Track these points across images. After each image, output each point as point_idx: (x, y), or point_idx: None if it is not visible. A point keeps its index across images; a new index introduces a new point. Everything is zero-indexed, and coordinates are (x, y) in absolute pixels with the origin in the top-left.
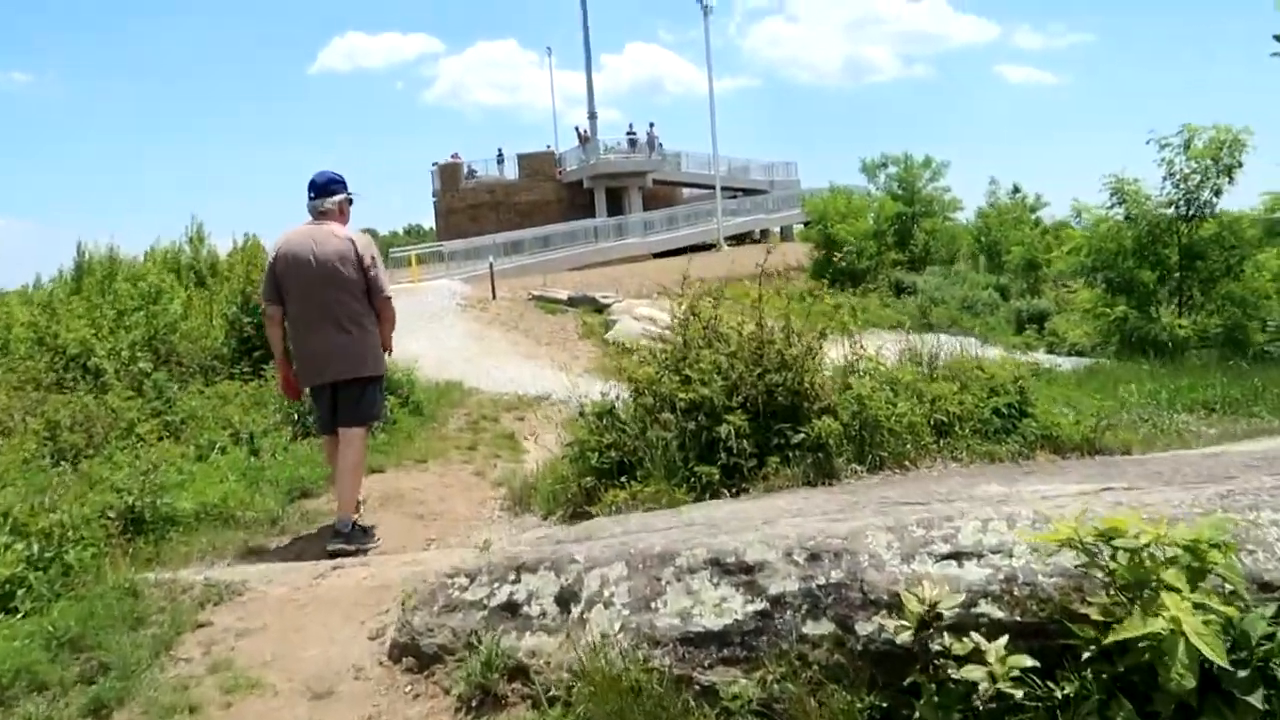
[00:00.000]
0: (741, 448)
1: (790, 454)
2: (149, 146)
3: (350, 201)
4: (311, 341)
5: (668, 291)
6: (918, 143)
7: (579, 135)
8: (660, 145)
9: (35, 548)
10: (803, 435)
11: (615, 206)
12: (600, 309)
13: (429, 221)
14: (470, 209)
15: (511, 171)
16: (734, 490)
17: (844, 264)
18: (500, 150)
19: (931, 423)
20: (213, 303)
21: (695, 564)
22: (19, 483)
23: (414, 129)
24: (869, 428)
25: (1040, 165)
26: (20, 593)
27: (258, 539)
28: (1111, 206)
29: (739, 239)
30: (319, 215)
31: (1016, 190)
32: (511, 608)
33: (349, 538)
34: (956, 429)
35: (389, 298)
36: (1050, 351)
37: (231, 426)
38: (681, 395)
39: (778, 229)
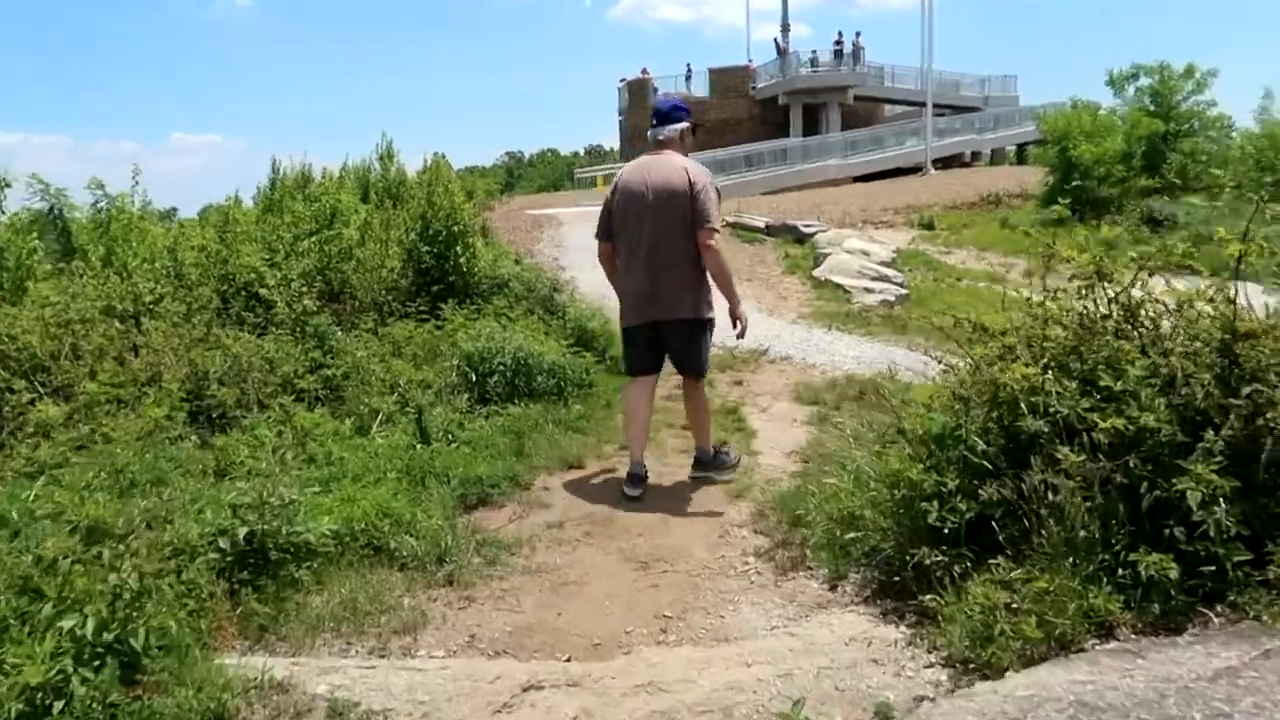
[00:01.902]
0: (1220, 526)
1: None
2: (345, 76)
3: (693, 130)
4: (634, 279)
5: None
6: (1142, 56)
7: (777, 47)
8: (864, 57)
9: (91, 625)
10: None
11: (811, 125)
12: (802, 239)
13: (609, 142)
14: None
15: (701, 88)
16: (1210, 602)
17: (1084, 191)
18: (688, 66)
19: None
20: (389, 227)
21: None
22: (135, 466)
23: (598, 48)
24: None
25: None
26: (58, 708)
27: (416, 590)
28: None
29: (946, 162)
30: (659, 144)
31: None
32: None
33: (707, 465)
34: None
35: (712, 229)
36: None
37: (399, 388)
38: (1100, 423)
39: (988, 151)
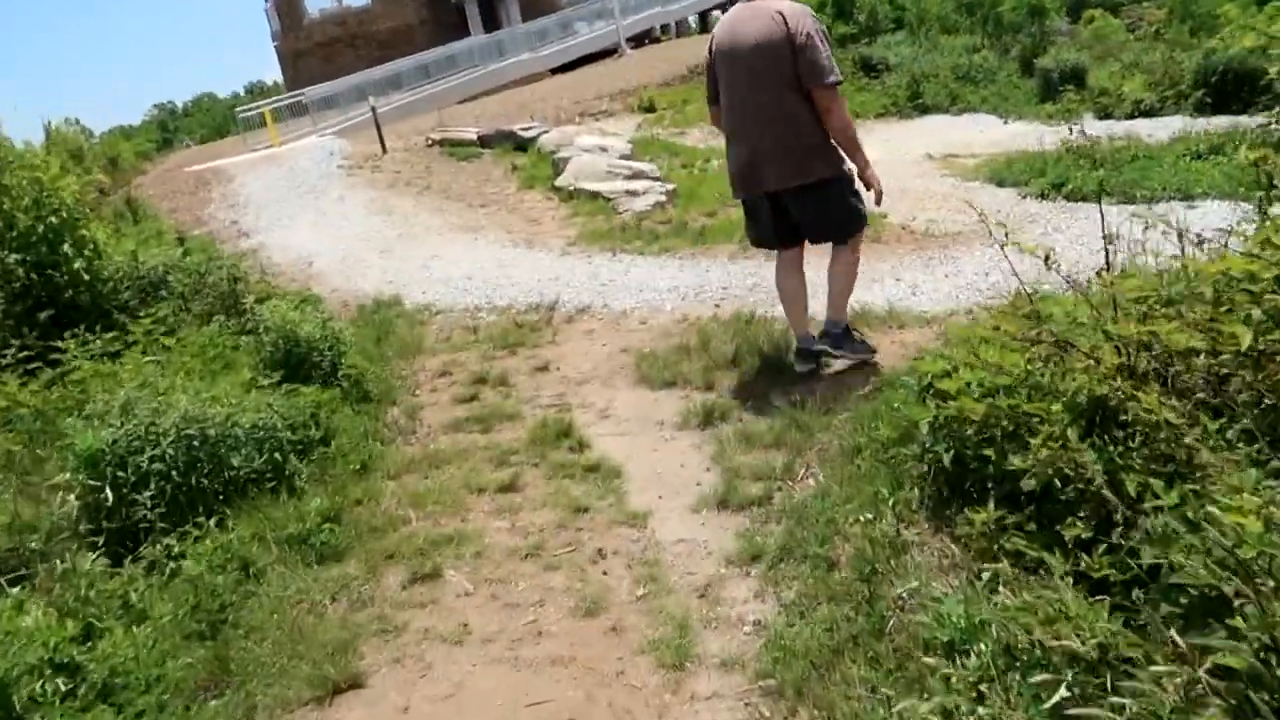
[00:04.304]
0: None
1: None
2: None
3: None
4: (739, 145)
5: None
6: None
7: None
8: None
9: None
10: None
11: (491, 20)
12: (524, 145)
13: (272, 74)
14: (320, 48)
15: None
16: None
17: None
18: None
19: None
20: None
21: None
22: None
23: None
24: None
25: None
26: None
27: None
28: None
29: (637, 40)
30: None
31: None
32: None
33: (837, 339)
34: None
35: (829, 85)
36: (1106, 116)
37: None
38: None
39: (674, 24)
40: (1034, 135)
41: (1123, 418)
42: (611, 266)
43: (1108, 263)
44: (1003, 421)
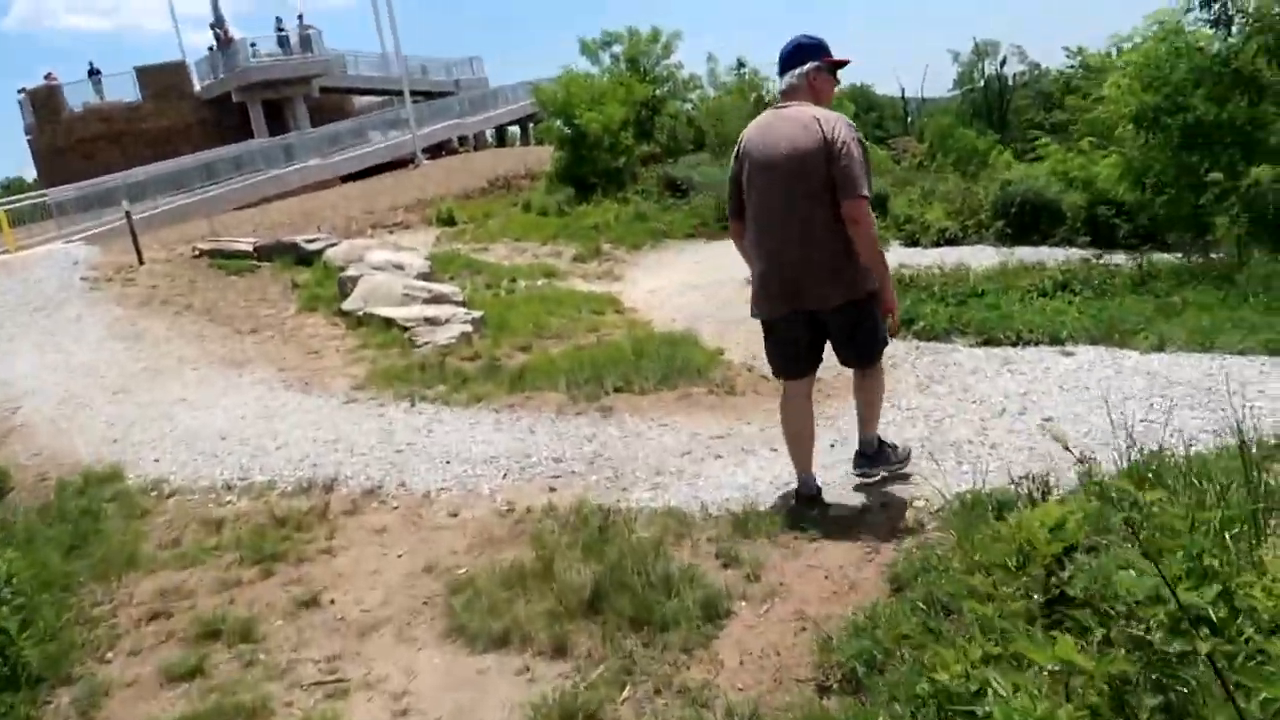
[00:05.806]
0: None
1: None
2: None
3: (826, 71)
4: (768, 263)
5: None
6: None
7: (217, 36)
8: (320, 42)
9: None
10: None
11: (276, 124)
12: (308, 259)
13: (31, 172)
14: (82, 144)
15: (130, 91)
16: None
17: (596, 163)
18: (92, 65)
19: None
20: None
21: None
22: None
23: None
24: None
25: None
26: None
27: None
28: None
29: (433, 151)
30: (785, 95)
31: (741, 65)
32: None
33: (873, 459)
34: None
35: (859, 199)
36: (913, 243)
37: None
38: None
39: (473, 135)
40: None
41: None
42: (409, 422)
43: None
44: None
